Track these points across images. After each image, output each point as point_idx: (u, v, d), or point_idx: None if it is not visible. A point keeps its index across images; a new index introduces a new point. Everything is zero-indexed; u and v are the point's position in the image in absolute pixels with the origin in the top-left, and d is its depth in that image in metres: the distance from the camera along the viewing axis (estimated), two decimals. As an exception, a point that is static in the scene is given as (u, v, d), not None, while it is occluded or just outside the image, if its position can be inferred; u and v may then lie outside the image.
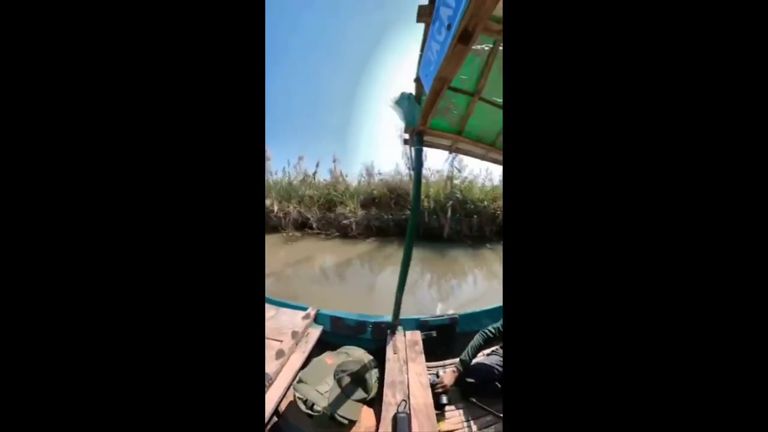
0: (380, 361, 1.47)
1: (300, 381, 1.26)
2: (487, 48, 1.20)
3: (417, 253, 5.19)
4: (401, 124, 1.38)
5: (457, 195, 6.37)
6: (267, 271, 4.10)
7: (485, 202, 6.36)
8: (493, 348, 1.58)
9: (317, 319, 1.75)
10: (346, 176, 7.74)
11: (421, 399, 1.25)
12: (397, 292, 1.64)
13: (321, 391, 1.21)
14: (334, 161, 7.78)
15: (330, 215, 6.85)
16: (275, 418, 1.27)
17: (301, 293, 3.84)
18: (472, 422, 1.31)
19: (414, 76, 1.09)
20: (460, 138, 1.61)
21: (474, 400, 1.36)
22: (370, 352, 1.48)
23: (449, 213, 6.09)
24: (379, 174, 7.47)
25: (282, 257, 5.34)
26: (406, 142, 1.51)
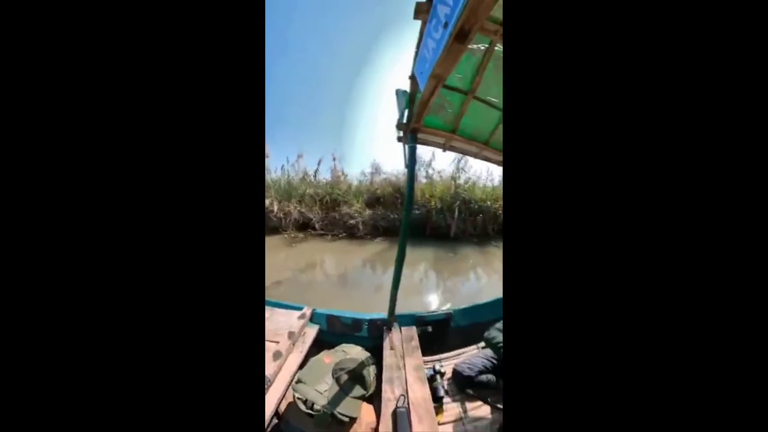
0: (377, 358, 1.48)
1: (299, 381, 1.26)
2: (483, 48, 1.21)
3: (431, 252, 5.30)
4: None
5: (463, 195, 6.41)
6: (276, 278, 3.93)
7: (488, 202, 6.43)
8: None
9: (313, 318, 1.75)
10: (347, 175, 7.47)
11: (419, 393, 1.27)
12: (392, 289, 1.65)
13: (320, 390, 1.21)
14: (334, 159, 7.46)
15: (334, 215, 6.58)
16: (275, 420, 1.27)
17: (321, 299, 3.34)
18: (469, 413, 1.33)
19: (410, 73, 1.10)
20: (454, 136, 1.63)
21: (470, 392, 1.39)
22: (367, 349, 1.49)
23: (456, 212, 6.12)
24: (384, 173, 7.25)
25: (290, 264, 4.80)
26: (400, 139, 1.51)
